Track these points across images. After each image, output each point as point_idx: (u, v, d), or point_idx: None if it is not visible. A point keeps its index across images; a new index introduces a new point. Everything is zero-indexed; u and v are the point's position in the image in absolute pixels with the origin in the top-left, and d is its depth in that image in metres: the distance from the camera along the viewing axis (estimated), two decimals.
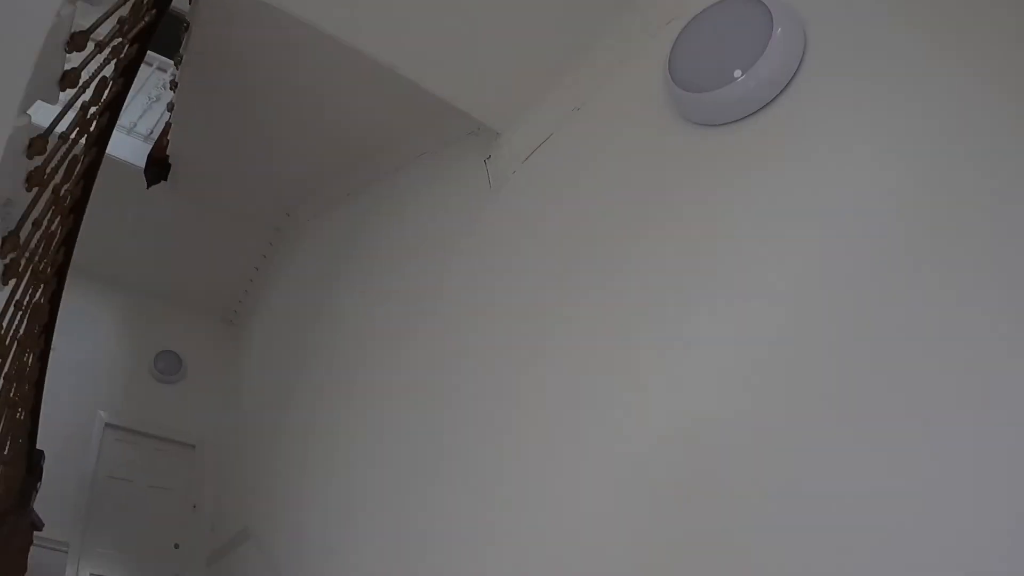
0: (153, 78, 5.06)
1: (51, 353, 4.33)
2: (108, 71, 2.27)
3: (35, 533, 3.19)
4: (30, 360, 2.57)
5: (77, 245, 2.64)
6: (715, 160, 1.75)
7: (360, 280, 3.29)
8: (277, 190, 4.48)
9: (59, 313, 2.72)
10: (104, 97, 2.26)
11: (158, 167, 4.40)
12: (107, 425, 5.19)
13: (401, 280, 2.91)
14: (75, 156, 2.19)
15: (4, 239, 1.71)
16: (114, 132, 4.52)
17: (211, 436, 5.47)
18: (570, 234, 2.05)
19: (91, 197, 2.62)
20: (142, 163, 4.47)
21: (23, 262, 1.93)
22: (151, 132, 4.82)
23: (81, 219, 2.55)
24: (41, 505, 3.26)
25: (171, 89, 4.07)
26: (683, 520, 1.38)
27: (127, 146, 4.64)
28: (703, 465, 1.39)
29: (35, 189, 1.79)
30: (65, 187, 2.16)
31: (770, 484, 1.26)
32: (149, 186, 4.43)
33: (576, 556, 1.59)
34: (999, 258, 1.10)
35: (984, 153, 1.20)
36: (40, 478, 3.26)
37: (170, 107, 4.19)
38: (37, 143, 1.69)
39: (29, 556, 3.13)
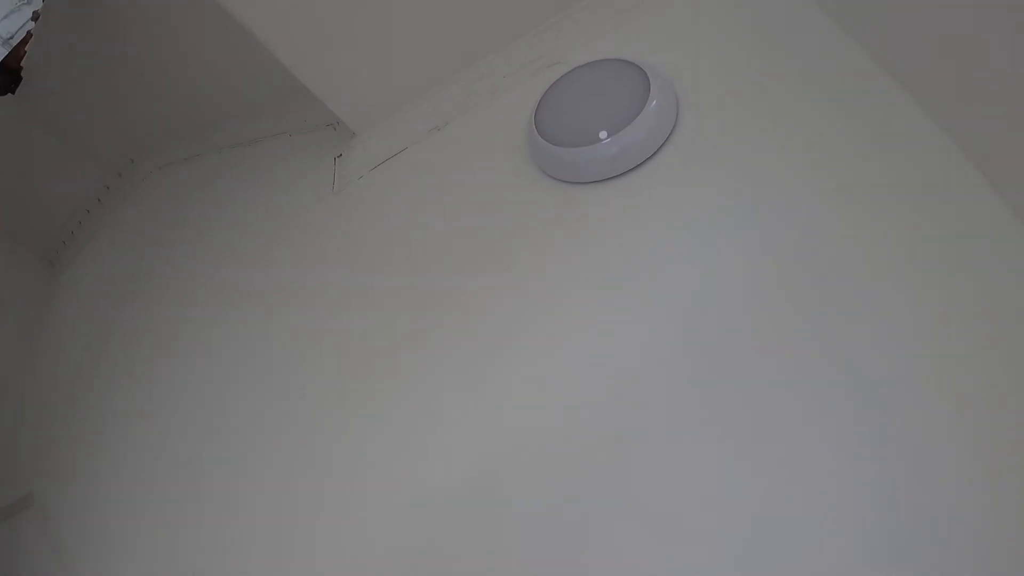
0: None
1: None
2: None
3: None
4: None
5: None
6: (561, 216, 1.69)
7: (190, 246, 3.06)
8: (126, 133, 4.11)
9: None
10: None
11: (7, 78, 3.96)
12: None
13: (230, 256, 2.72)
14: None
15: None
16: None
17: (7, 382, 4.89)
18: (398, 256, 1.94)
19: None
20: None
21: None
22: (11, 37, 4.35)
23: None
24: None
25: None
26: None
27: None
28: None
29: None
30: None
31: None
32: None
33: None
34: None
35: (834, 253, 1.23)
36: None
37: (35, 16, 3.79)
38: None
39: None
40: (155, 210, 3.90)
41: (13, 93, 4.02)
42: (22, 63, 3.98)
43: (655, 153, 1.63)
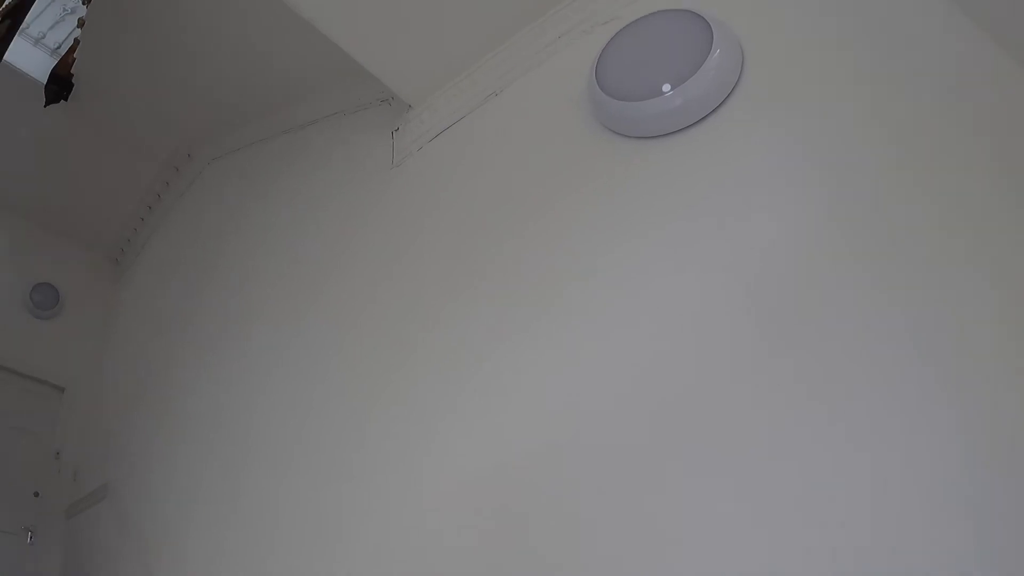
0: None
1: None
2: None
3: None
4: None
5: None
6: (626, 171, 1.67)
7: (254, 234, 3.11)
8: (181, 129, 4.20)
9: None
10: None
11: (60, 85, 4.08)
12: None
13: (296, 239, 2.76)
14: None
15: None
16: (20, 40, 4.21)
17: (83, 380, 5.09)
18: (463, 224, 1.96)
19: None
20: (44, 78, 4.13)
21: None
22: (59, 47, 4.45)
23: None
24: None
25: (84, 3, 3.77)
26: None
27: (32, 58, 4.28)
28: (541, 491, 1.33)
29: None
30: None
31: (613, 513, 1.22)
32: (47, 104, 4.10)
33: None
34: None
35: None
36: None
37: (80, 23, 3.88)
38: None
39: None
40: (214, 201, 3.98)
41: (66, 100, 4.13)
42: (72, 70, 4.08)
43: (719, 106, 1.60)
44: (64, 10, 4.60)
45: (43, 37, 4.46)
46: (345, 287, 2.31)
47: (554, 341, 1.55)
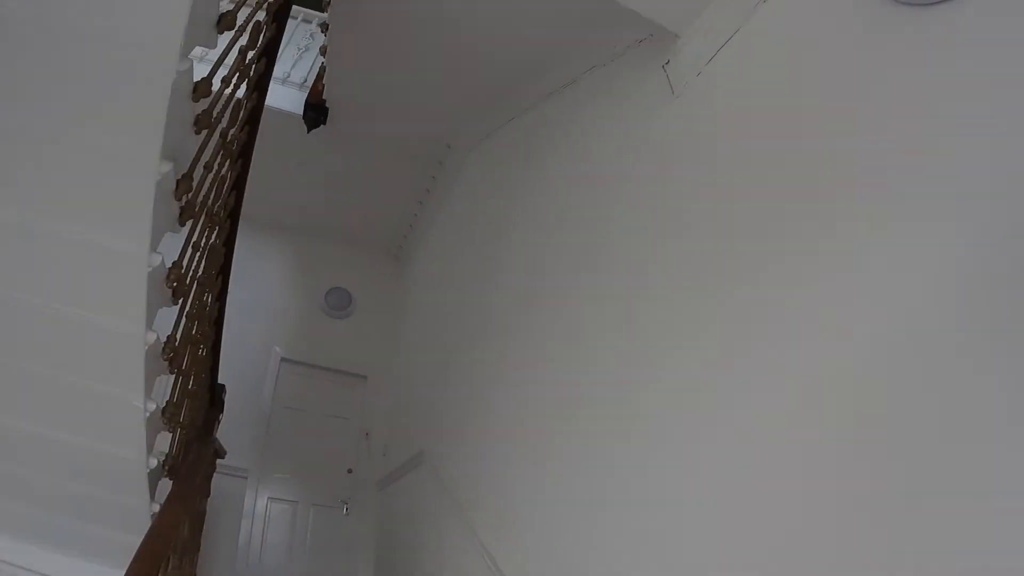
0: (300, 29, 5.22)
1: (230, 296, 4.68)
2: (260, 16, 2.32)
3: (218, 460, 3.48)
4: (209, 300, 2.75)
5: (248, 195, 2.76)
6: (935, 50, 1.41)
7: (530, 204, 3.19)
8: (437, 123, 4.50)
9: (236, 258, 2.87)
10: (260, 42, 2.30)
11: (316, 111, 4.54)
12: (282, 360, 5.63)
13: (575, 199, 2.74)
14: (238, 101, 2.26)
15: (179, 181, 1.79)
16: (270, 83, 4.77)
17: (381, 366, 5.78)
18: (768, 133, 1.80)
19: (256, 149, 2.72)
20: (300, 110, 4.62)
21: (198, 204, 2.04)
22: (305, 80, 4.98)
23: (249, 164, 2.66)
24: (222, 435, 3.55)
25: (323, 32, 4.16)
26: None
27: (284, 96, 4.82)
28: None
29: (203, 132, 1.86)
30: (231, 132, 2.24)
31: None
32: (309, 130, 4.59)
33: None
34: None
35: None
36: (222, 410, 3.57)
37: (322, 50, 4.29)
38: (201, 87, 1.74)
39: (212, 482, 3.42)
40: (482, 183, 4.23)
41: (325, 124, 4.61)
42: (323, 95, 4.54)
43: None
44: (299, 48, 5.14)
45: (288, 76, 5.00)
46: (635, 241, 2.25)
47: (875, 247, 1.37)
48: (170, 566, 2.36)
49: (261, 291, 5.80)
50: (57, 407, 2.24)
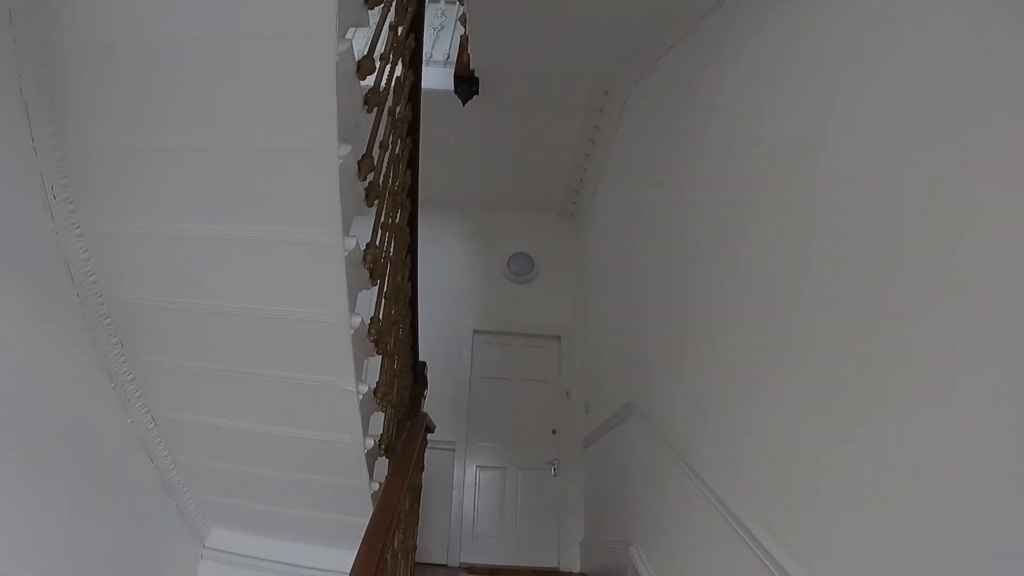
0: (429, 9, 5.20)
1: (419, 274, 4.81)
2: None
3: (428, 435, 3.60)
4: (402, 280, 2.81)
5: (421, 179, 2.78)
6: None
7: (700, 134, 2.95)
8: (589, 70, 4.37)
9: (420, 239, 2.92)
10: (407, 14, 2.28)
11: (467, 83, 4.55)
12: (475, 331, 5.79)
13: (754, 118, 2.40)
14: (398, 78, 2.26)
15: (360, 161, 1.81)
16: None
17: (573, 324, 5.80)
18: None
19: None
20: (450, 86, 4.64)
21: (380, 184, 2.06)
22: (448, 57, 4.98)
23: (418, 141, 2.67)
24: (429, 410, 3.67)
25: (459, 2, 4.14)
26: None
27: (431, 76, 4.80)
28: None
29: (374, 110, 1.86)
30: (398, 109, 2.24)
31: None
32: (464, 103, 4.60)
33: None
34: None
35: None
36: (426, 386, 3.69)
37: (462, 20, 4.28)
38: (365, 64, 1.74)
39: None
40: (647, 123, 4.00)
41: (478, 94, 4.60)
42: (471, 66, 4.52)
43: None
44: (434, 28, 5.14)
45: (430, 56, 5.02)
46: (817, 166, 1.95)
47: None
48: (396, 540, 2.47)
49: (445, 269, 6.00)
50: (279, 404, 2.38)
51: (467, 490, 5.29)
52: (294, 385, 2.28)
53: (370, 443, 2.39)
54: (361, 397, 2.21)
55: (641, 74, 3.98)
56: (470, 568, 4.78)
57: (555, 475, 5.31)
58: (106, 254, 2.14)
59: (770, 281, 2.11)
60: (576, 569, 4.95)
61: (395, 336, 2.74)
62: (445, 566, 4.89)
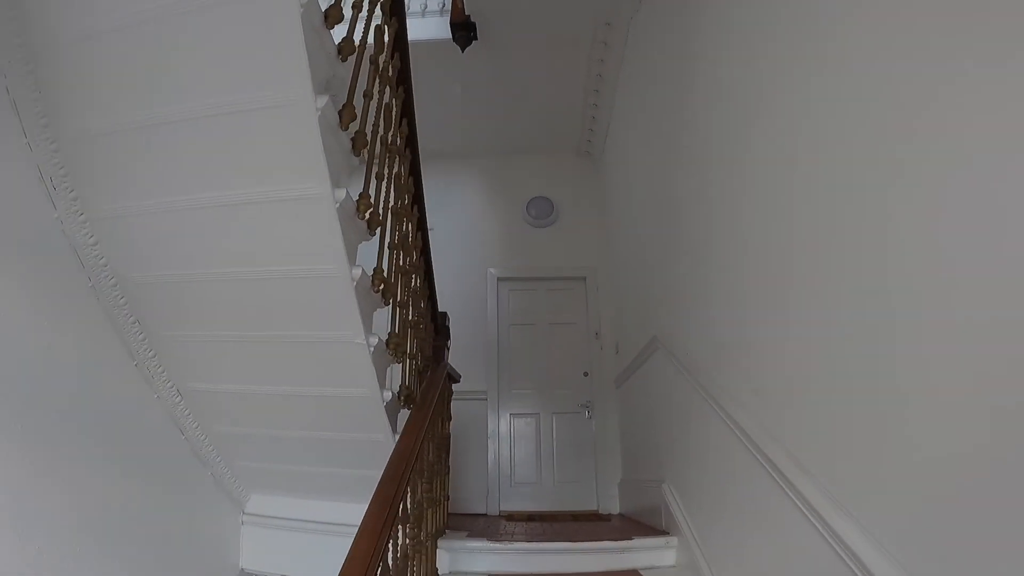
0: None
1: (439, 230, 4.80)
2: None
3: (456, 387, 3.63)
4: (410, 230, 2.82)
5: (431, 131, 2.75)
6: None
7: (712, 53, 2.72)
8: (588, 5, 4.28)
9: (435, 192, 2.90)
10: None
11: (464, 30, 4.47)
12: (499, 279, 5.79)
13: (776, 27, 2.08)
14: (378, 26, 2.24)
15: (341, 111, 1.81)
16: (409, 19, 4.72)
17: (597, 264, 5.75)
18: None
19: (421, 85, 2.66)
20: (448, 34, 4.57)
21: (368, 134, 2.06)
22: (443, 6, 4.88)
23: (411, 90, 2.64)
24: (457, 364, 3.69)
25: None
26: None
27: (429, 27, 4.77)
28: None
29: (349, 59, 1.85)
30: (382, 58, 2.23)
31: None
32: (464, 50, 4.54)
33: None
34: None
35: None
36: (448, 336, 3.71)
37: None
38: (332, 12, 1.73)
39: (453, 408, 3.58)
40: (654, 50, 3.79)
41: (477, 39, 4.53)
42: (466, 12, 4.44)
43: None
44: None
45: (425, 7, 4.93)
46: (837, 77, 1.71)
47: None
48: (420, 490, 2.53)
49: (465, 219, 6.00)
50: (297, 364, 2.42)
51: (502, 439, 5.36)
52: (308, 344, 2.32)
53: (388, 396, 2.42)
54: (372, 350, 2.23)
55: (641, 3, 3.85)
56: (509, 516, 4.86)
57: (590, 418, 5.34)
58: (112, 237, 2.19)
59: (778, 200, 2.04)
60: (616, 511, 4.99)
61: (407, 287, 2.77)
62: (485, 515, 4.97)
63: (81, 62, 1.83)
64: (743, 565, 2.19)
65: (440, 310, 3.61)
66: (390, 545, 1.77)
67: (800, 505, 1.71)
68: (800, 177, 1.85)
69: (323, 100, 1.70)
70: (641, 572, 2.76)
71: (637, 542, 2.92)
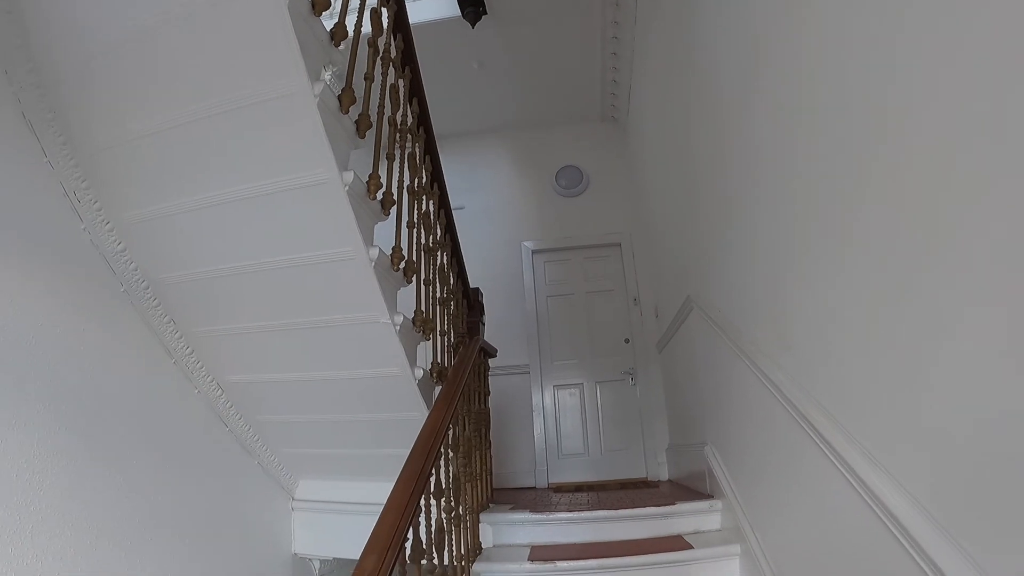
0: None
1: (471, 207, 4.75)
2: None
3: (497, 362, 3.62)
4: (431, 207, 2.82)
5: (454, 112, 2.73)
6: None
7: (731, 13, 2.63)
8: None
9: (464, 170, 2.89)
10: None
11: (472, 5, 4.42)
12: (534, 252, 5.77)
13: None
14: (373, 10, 2.23)
15: (341, 95, 1.82)
16: (417, 0, 4.68)
17: (632, 230, 5.69)
18: None
19: (438, 66, 2.62)
20: (457, 11, 4.52)
21: (373, 115, 2.06)
22: None
23: (417, 70, 2.63)
24: (497, 340, 3.69)
25: None
26: None
27: (436, 6, 4.70)
28: None
29: (342, 44, 1.85)
30: (381, 40, 2.22)
31: None
32: (474, 25, 4.50)
33: None
34: None
35: None
36: (483, 312, 3.70)
37: None
38: (319, 1, 1.73)
39: (497, 384, 3.55)
40: (669, 5, 3.63)
41: (486, 13, 4.48)
42: None
43: None
44: None
45: None
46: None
47: None
48: (457, 464, 2.55)
49: (495, 195, 5.97)
50: (329, 348, 2.46)
51: (547, 411, 5.37)
52: (336, 327, 2.36)
53: (420, 373, 2.45)
54: (399, 328, 2.26)
55: None
56: (557, 488, 4.88)
57: (633, 384, 5.31)
58: (139, 242, 2.26)
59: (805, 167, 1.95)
60: (664, 477, 4.97)
61: (432, 264, 2.78)
62: (534, 488, 5.00)
63: (86, 82, 1.92)
64: (785, 530, 2.17)
65: (473, 286, 3.62)
66: (422, 519, 1.80)
67: (836, 463, 1.68)
68: (826, 132, 1.77)
69: (319, 87, 1.71)
70: (685, 537, 2.75)
71: (680, 507, 2.91)
